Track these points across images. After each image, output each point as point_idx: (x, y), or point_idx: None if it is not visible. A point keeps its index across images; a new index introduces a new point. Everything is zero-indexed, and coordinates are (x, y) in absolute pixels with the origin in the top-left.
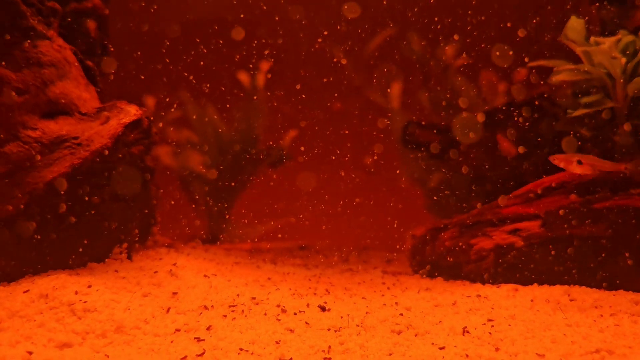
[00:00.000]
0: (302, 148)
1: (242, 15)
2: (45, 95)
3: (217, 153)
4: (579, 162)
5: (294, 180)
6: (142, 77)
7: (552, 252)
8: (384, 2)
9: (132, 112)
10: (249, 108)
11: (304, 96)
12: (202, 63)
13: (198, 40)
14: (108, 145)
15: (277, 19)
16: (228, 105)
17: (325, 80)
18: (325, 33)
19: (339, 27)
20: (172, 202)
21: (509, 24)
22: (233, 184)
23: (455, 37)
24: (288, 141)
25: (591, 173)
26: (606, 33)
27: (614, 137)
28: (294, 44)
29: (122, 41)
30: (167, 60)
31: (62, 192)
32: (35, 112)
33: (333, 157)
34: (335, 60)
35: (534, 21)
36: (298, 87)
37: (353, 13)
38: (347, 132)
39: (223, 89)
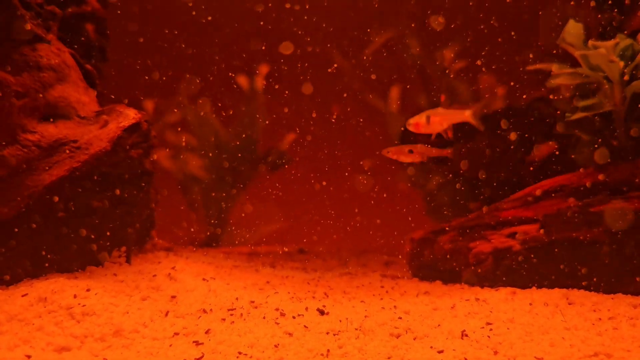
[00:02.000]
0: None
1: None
2: (44, 99)
3: (216, 156)
4: (410, 152)
5: (292, 183)
6: (143, 79)
7: (551, 256)
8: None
9: (131, 115)
10: (248, 111)
11: (303, 100)
12: (201, 66)
13: (198, 43)
14: (107, 149)
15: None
16: (224, 108)
17: (324, 83)
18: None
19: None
20: (171, 206)
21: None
22: (232, 187)
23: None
24: (286, 144)
25: (420, 160)
26: (604, 35)
27: (612, 140)
28: (294, 48)
29: (121, 44)
30: (167, 63)
31: (61, 196)
32: (34, 116)
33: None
34: (335, 65)
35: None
36: (296, 90)
37: (438, 25)
38: (346, 135)
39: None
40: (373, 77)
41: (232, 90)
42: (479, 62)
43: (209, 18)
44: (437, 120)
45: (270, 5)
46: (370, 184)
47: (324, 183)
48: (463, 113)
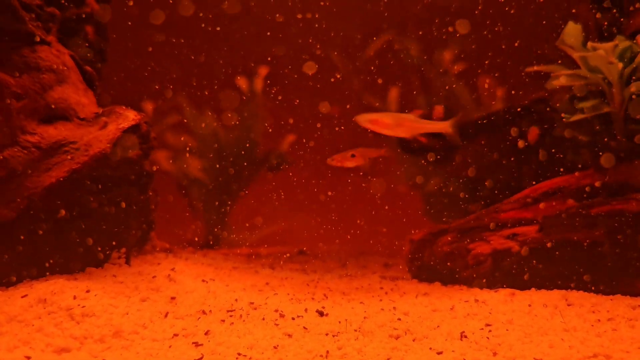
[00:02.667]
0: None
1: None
2: (44, 100)
3: (215, 158)
4: (353, 156)
5: (292, 185)
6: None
7: (550, 257)
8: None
9: (130, 117)
10: (247, 113)
11: (301, 100)
12: (200, 67)
13: (197, 45)
14: (107, 150)
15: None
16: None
17: (323, 84)
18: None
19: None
20: (171, 207)
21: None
22: (231, 189)
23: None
24: (286, 146)
25: (363, 163)
26: (603, 36)
27: (611, 141)
28: (293, 49)
29: (120, 46)
30: (166, 65)
31: (61, 197)
32: (34, 117)
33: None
34: (339, 74)
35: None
36: (294, 91)
37: (464, 29)
38: (344, 136)
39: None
40: (380, 81)
41: (234, 93)
42: (479, 68)
43: (218, 28)
44: (409, 126)
45: (277, 12)
46: (384, 186)
47: (324, 185)
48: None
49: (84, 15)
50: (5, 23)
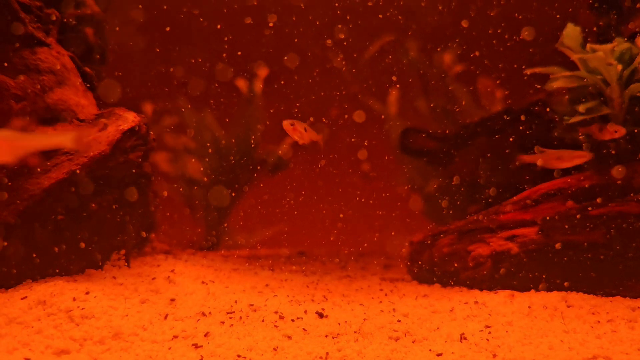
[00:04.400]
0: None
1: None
2: (43, 102)
3: (215, 159)
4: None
5: (291, 186)
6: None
7: (549, 258)
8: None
9: (130, 118)
10: (247, 114)
11: (301, 102)
12: (199, 68)
13: (196, 46)
14: (106, 152)
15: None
16: (226, 112)
17: (323, 86)
18: (328, 41)
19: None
20: (171, 209)
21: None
22: (231, 190)
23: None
24: (286, 148)
25: (302, 141)
26: (601, 39)
27: (610, 143)
28: (292, 50)
29: (120, 47)
30: (166, 66)
31: (61, 199)
32: (33, 119)
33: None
34: (331, 65)
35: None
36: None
37: (528, 35)
38: (344, 138)
39: (222, 98)
40: (392, 82)
41: (235, 95)
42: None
43: (218, 27)
44: (10, 147)
45: (278, 11)
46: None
47: (324, 187)
48: (60, 137)
49: (83, 18)
50: (5, 25)
